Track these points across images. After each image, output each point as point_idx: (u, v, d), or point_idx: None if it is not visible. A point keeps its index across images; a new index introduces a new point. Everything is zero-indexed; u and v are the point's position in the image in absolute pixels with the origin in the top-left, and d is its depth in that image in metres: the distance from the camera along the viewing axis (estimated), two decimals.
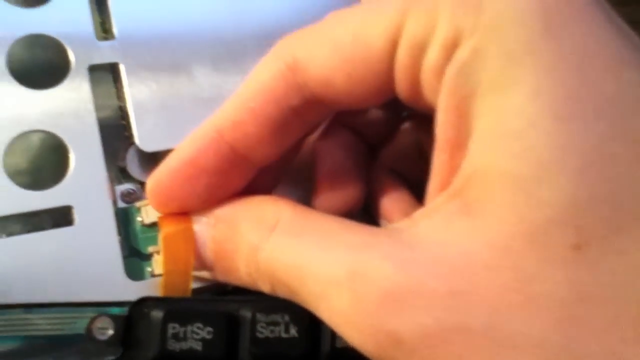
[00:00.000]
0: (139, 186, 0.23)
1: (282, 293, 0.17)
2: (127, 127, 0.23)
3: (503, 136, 0.14)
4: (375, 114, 0.21)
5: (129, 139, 0.23)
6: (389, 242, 0.15)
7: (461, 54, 0.15)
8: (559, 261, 0.13)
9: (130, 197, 0.23)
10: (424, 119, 0.21)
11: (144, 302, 0.18)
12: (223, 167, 0.18)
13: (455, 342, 0.14)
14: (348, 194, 0.20)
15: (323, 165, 0.20)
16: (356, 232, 0.16)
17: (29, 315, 0.19)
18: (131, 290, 0.21)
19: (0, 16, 0.22)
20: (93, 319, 0.18)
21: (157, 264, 0.21)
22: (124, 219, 0.22)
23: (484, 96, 0.14)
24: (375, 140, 0.21)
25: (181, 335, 0.18)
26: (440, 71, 0.15)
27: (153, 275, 0.22)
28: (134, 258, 0.22)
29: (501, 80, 0.14)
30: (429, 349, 0.14)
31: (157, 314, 0.18)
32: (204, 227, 0.19)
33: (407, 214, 0.20)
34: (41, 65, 0.23)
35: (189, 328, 0.18)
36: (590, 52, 0.14)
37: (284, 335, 0.18)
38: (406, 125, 0.21)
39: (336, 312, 0.15)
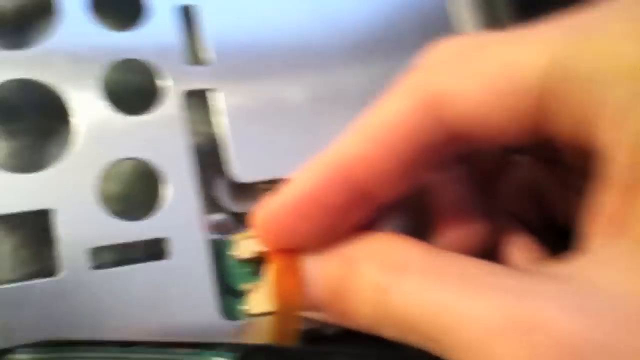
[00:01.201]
0: (230, 217, 0.22)
1: (413, 340, 0.16)
2: (221, 155, 0.22)
3: None
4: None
5: (220, 168, 0.22)
6: (559, 290, 0.14)
7: None
8: None
9: (222, 229, 0.22)
10: (538, 157, 0.19)
11: (255, 353, 0.17)
12: (345, 204, 0.17)
13: None
14: (473, 233, 0.18)
15: (443, 200, 0.19)
16: (506, 275, 0.15)
17: (126, 355, 0.18)
18: (225, 330, 0.20)
19: (97, 40, 0.21)
20: None
21: (254, 303, 0.20)
22: (217, 252, 0.21)
23: None
24: (487, 175, 0.20)
25: None
26: (624, 107, 0.14)
27: (248, 315, 0.20)
28: (227, 295, 0.21)
29: None
30: None
31: None
32: (317, 264, 0.17)
33: (533, 261, 0.18)
34: (136, 90, 0.22)
35: None
36: None
37: None
38: (519, 162, 0.20)
39: None
